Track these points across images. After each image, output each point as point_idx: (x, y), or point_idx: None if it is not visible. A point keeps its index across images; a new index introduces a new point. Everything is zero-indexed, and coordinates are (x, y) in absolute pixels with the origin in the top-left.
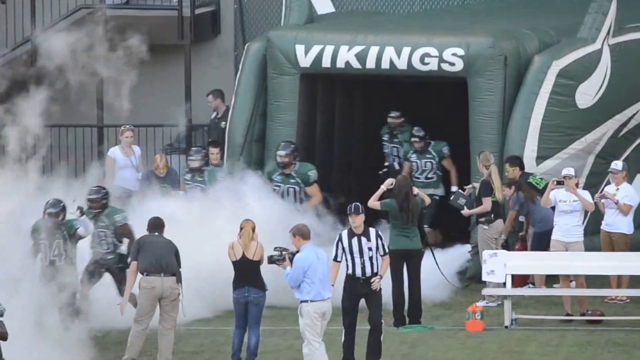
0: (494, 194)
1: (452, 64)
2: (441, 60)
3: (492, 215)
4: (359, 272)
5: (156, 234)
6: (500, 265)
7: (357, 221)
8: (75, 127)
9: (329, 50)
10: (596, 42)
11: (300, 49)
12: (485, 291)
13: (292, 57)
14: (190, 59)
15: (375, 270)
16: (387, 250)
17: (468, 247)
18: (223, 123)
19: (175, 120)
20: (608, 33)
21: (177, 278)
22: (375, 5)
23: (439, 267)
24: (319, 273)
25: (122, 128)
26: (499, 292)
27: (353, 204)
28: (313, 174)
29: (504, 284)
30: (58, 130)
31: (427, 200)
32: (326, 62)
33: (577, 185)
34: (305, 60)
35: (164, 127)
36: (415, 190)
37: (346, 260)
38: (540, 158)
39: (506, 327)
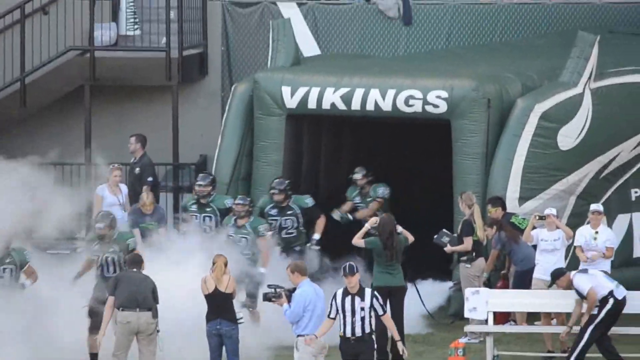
0: (475, 234)
1: (436, 106)
2: (425, 102)
3: (474, 254)
4: (349, 332)
5: (134, 269)
6: (482, 302)
7: (353, 281)
8: (63, 165)
9: (315, 91)
10: (578, 86)
11: (286, 90)
12: (468, 328)
13: (279, 98)
14: (177, 99)
15: (367, 331)
16: (386, 310)
17: (450, 283)
18: (137, 169)
19: (162, 158)
20: (590, 77)
21: (153, 313)
22: (361, 48)
23: (423, 304)
24: (317, 309)
25: (111, 167)
26: (481, 329)
27: (347, 264)
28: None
29: (486, 321)
30: (47, 169)
31: (411, 239)
32: (312, 104)
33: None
34: (291, 102)
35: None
36: (399, 229)
37: (339, 319)
38: (523, 199)
39: None
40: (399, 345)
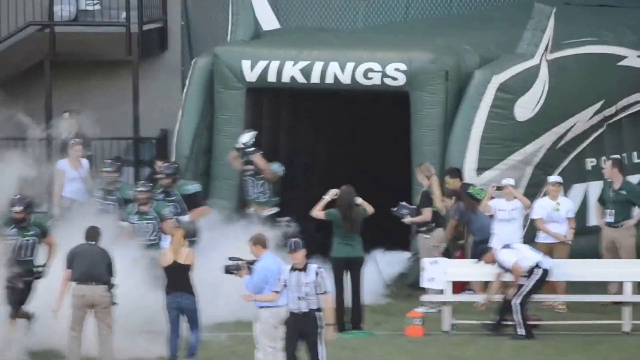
0: (434, 204)
1: (394, 79)
2: (384, 75)
3: (433, 225)
4: (294, 307)
5: (92, 242)
6: (440, 272)
7: (298, 257)
8: (25, 140)
9: (274, 65)
10: (534, 57)
11: (246, 64)
12: (425, 297)
13: (239, 72)
14: (138, 74)
15: (312, 307)
16: (327, 289)
17: (408, 254)
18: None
19: (123, 133)
20: (546, 49)
21: (107, 286)
22: (320, 21)
23: (381, 273)
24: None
25: (72, 142)
26: (439, 299)
27: (293, 241)
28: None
29: (443, 291)
30: (6, 143)
31: (370, 210)
32: (272, 77)
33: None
34: (251, 75)
35: (113, 139)
36: (359, 200)
37: (286, 294)
38: (480, 169)
39: (445, 332)
40: (329, 330)
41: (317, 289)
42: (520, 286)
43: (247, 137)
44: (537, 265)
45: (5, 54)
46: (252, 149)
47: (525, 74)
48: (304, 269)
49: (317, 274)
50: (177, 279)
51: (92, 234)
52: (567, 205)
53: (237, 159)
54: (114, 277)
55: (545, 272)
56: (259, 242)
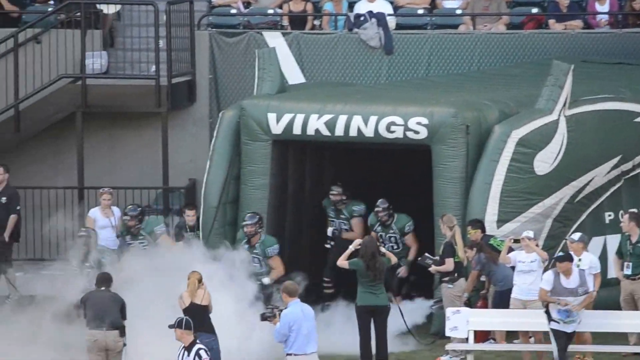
0: (456, 255)
1: (416, 132)
2: (406, 128)
3: (456, 275)
4: None
5: (102, 288)
6: (463, 321)
7: (177, 335)
8: (57, 189)
9: (299, 118)
10: (553, 113)
11: (272, 117)
12: (449, 346)
13: (265, 125)
14: (167, 125)
15: None
16: None
17: (430, 302)
18: (4, 199)
19: (152, 183)
20: (564, 105)
21: (120, 331)
22: (344, 76)
23: (406, 324)
24: (303, 328)
25: (101, 191)
26: (462, 347)
27: (178, 318)
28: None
29: (467, 339)
30: (40, 192)
31: (394, 260)
32: (297, 130)
33: (537, 245)
34: (277, 128)
35: (142, 189)
36: (382, 250)
37: None
38: (501, 221)
39: None
40: None
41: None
42: None
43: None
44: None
45: (38, 106)
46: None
47: (544, 129)
48: (188, 348)
49: (197, 355)
50: (195, 319)
51: (103, 279)
52: (589, 260)
53: None
54: (126, 319)
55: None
56: (286, 290)
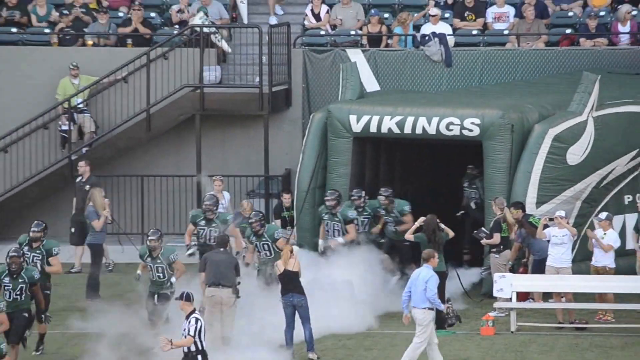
0: (503, 230)
1: (470, 130)
2: (462, 127)
3: (502, 247)
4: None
5: (221, 250)
6: (507, 284)
7: (182, 306)
8: (179, 177)
9: (375, 119)
10: (583, 114)
11: (353, 118)
12: (496, 304)
13: (347, 124)
14: (268, 125)
15: (192, 349)
16: (191, 333)
17: (481, 269)
18: (87, 186)
19: (256, 172)
20: (592, 108)
21: (233, 289)
22: (412, 85)
23: (462, 285)
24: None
25: (214, 178)
26: (507, 305)
27: (182, 292)
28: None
29: (511, 299)
30: (166, 180)
31: (451, 234)
32: (373, 128)
33: (567, 223)
34: (357, 127)
35: (248, 177)
36: (442, 226)
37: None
38: (539, 203)
39: (512, 332)
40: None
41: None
42: None
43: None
44: None
45: (165, 110)
46: None
47: (575, 127)
48: (187, 316)
49: (189, 321)
50: (289, 283)
51: (222, 241)
52: (612, 236)
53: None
54: (239, 276)
55: None
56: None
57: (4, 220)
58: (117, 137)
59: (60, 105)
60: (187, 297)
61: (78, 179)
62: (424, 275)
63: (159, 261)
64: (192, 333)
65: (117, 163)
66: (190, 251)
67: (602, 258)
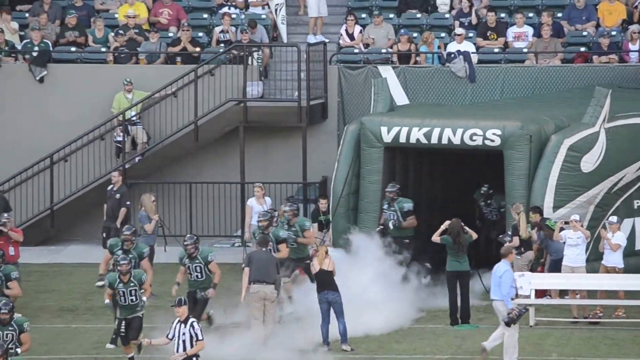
0: (521, 234)
1: (492, 140)
2: (484, 137)
3: (522, 249)
4: (175, 350)
5: (263, 249)
6: (527, 282)
7: (179, 312)
8: (225, 184)
9: (404, 130)
10: (595, 126)
11: (384, 129)
12: (516, 301)
13: (378, 135)
14: (306, 136)
15: (184, 350)
16: (200, 338)
17: None
18: (118, 195)
19: (295, 179)
20: (604, 120)
21: (275, 285)
22: (438, 98)
23: (483, 285)
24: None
25: (255, 185)
26: (526, 302)
27: (177, 298)
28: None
29: (530, 296)
30: (212, 186)
31: (474, 236)
32: (402, 139)
33: (582, 226)
34: (387, 137)
35: (287, 183)
36: (466, 228)
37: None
38: (555, 207)
39: (531, 326)
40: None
41: (192, 338)
42: None
43: None
44: None
45: (211, 122)
46: None
47: (589, 137)
48: (184, 321)
49: (192, 327)
50: (324, 281)
51: (264, 241)
52: (619, 237)
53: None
54: (279, 274)
55: None
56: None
57: (65, 224)
58: (167, 147)
59: (115, 118)
60: (183, 302)
61: (109, 188)
62: (499, 270)
63: (197, 261)
64: (201, 337)
65: (167, 171)
66: (101, 283)
67: (612, 258)
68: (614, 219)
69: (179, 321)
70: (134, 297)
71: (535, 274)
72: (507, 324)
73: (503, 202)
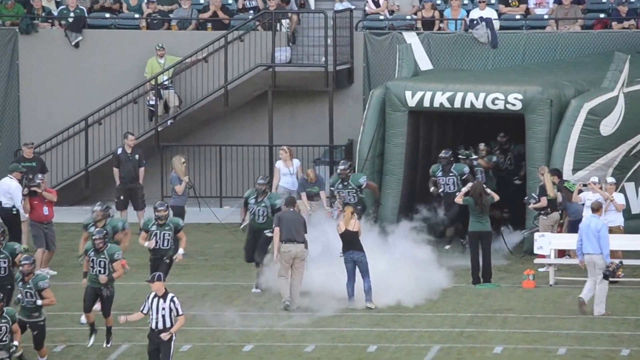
0: (548, 194)
1: (513, 105)
2: (506, 102)
3: (549, 209)
4: (154, 325)
5: (291, 209)
6: (547, 243)
7: (154, 287)
8: (253, 147)
9: (428, 94)
10: (614, 90)
11: (408, 93)
12: (537, 260)
13: (403, 99)
14: (332, 101)
15: (167, 325)
16: (180, 313)
17: (524, 230)
18: (136, 156)
19: (322, 142)
20: (623, 84)
21: (305, 245)
22: (461, 64)
23: (505, 244)
24: None
25: (281, 148)
26: (546, 261)
27: (154, 274)
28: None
29: (549, 255)
30: (242, 149)
31: (496, 198)
32: (426, 103)
33: (600, 188)
34: (412, 102)
35: (314, 146)
36: (488, 190)
37: (150, 314)
38: (575, 170)
39: (551, 285)
40: (164, 335)
41: (172, 312)
42: None
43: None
44: None
45: (240, 87)
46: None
47: (608, 102)
48: (163, 296)
49: (172, 302)
50: (350, 242)
51: (291, 201)
52: (619, 197)
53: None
54: (307, 233)
55: None
56: None
57: (99, 185)
58: (198, 111)
59: (148, 82)
60: (159, 278)
61: (119, 152)
62: (595, 225)
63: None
64: (181, 312)
65: (198, 134)
66: (81, 259)
67: (616, 219)
68: (611, 179)
69: (155, 295)
70: (102, 269)
71: (555, 234)
72: (606, 277)
73: (522, 150)
